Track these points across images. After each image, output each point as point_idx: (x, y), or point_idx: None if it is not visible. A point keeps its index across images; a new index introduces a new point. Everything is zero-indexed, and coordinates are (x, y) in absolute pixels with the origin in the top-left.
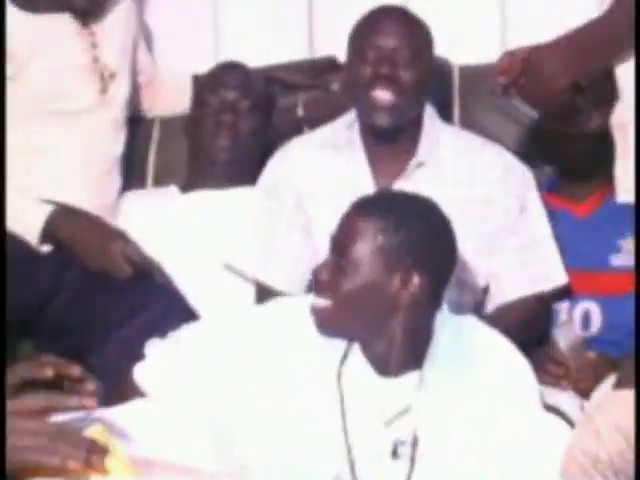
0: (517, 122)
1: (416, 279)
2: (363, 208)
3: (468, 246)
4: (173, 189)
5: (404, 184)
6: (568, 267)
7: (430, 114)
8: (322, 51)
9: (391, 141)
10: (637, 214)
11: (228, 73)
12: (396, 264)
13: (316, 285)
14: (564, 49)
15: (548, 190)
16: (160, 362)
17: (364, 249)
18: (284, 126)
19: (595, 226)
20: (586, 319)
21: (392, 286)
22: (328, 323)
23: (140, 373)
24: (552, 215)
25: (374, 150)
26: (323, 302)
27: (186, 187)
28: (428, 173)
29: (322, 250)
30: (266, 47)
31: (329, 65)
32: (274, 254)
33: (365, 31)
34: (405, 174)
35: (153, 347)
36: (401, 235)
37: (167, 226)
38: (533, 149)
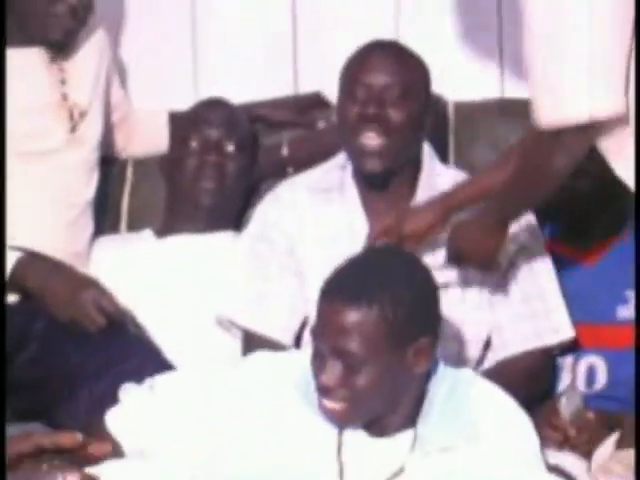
0: None
1: (426, 343)
2: (348, 296)
3: (469, 297)
4: (148, 233)
5: None
6: (573, 319)
7: (429, 154)
8: (307, 87)
9: (387, 184)
10: (637, 223)
11: (212, 110)
12: (406, 339)
13: (323, 391)
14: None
15: (552, 236)
16: (134, 409)
17: (368, 341)
18: (268, 166)
19: (601, 275)
20: (590, 374)
21: (407, 361)
22: (347, 421)
23: (112, 419)
24: (557, 263)
25: (369, 194)
26: (337, 406)
27: (163, 231)
28: None
29: (313, 298)
30: (248, 83)
31: (315, 102)
32: (267, 302)
33: (354, 68)
34: None
35: (128, 393)
36: (401, 310)
37: (142, 273)
38: None
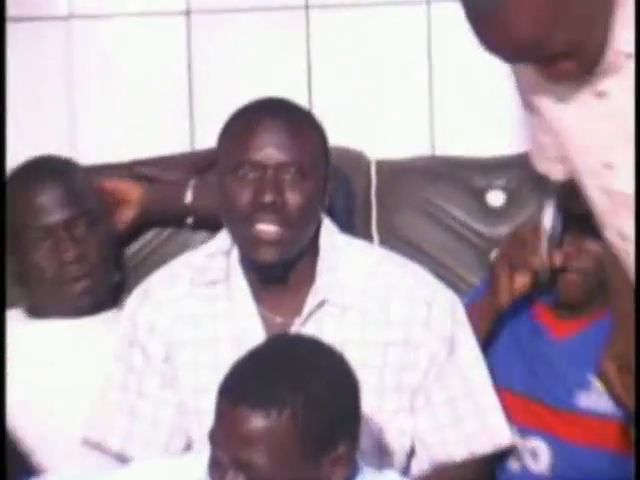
0: (442, 224)
1: (344, 450)
2: (255, 399)
3: (387, 401)
4: (17, 313)
5: (302, 326)
6: (525, 392)
7: (328, 230)
8: (205, 143)
9: (283, 273)
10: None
11: (46, 192)
12: (322, 448)
13: None
14: None
15: (538, 298)
16: None
17: (277, 453)
18: (167, 211)
19: (569, 353)
20: (534, 456)
21: (323, 472)
22: None
23: None
24: (535, 330)
25: (262, 285)
26: None
27: (32, 313)
28: (332, 310)
29: (191, 409)
30: (142, 139)
31: (213, 158)
32: (142, 421)
33: (241, 142)
34: (303, 314)
35: None
36: (316, 415)
37: (13, 359)
38: (461, 255)
